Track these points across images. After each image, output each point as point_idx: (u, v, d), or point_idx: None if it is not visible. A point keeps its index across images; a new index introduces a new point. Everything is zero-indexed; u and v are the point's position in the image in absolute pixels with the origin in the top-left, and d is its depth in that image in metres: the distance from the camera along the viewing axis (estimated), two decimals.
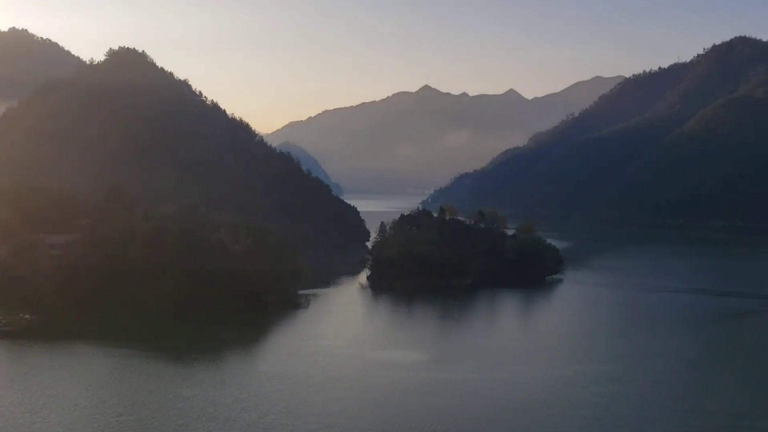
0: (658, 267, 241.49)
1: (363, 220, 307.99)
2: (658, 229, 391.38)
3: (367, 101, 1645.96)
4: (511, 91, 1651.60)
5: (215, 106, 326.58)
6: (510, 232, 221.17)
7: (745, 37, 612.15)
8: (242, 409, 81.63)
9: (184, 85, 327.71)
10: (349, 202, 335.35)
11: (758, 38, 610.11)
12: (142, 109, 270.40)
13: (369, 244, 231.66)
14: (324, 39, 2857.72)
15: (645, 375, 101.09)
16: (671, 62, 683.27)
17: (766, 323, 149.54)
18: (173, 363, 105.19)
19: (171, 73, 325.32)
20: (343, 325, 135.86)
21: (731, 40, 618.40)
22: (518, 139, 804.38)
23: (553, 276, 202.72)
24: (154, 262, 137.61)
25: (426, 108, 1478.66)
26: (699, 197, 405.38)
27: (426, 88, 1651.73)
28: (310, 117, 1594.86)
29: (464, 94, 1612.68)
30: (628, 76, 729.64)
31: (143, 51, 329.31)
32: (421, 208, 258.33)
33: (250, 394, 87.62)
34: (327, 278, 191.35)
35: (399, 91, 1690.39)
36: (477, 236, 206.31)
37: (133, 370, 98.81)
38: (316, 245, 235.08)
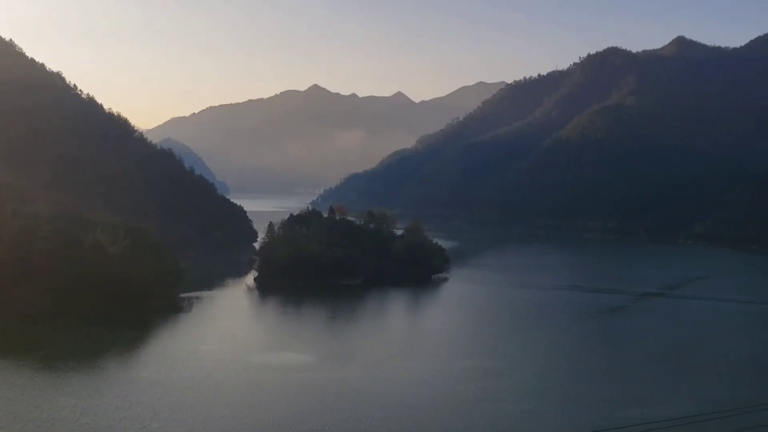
0: (537, 265, 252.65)
1: (250, 220, 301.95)
2: (538, 229, 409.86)
3: (254, 98, 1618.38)
4: (400, 94, 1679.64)
5: (91, 101, 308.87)
6: (399, 232, 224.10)
7: (617, 48, 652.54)
8: (123, 419, 77.09)
9: (57, 77, 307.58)
10: (235, 201, 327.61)
11: (628, 49, 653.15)
12: (9, 103, 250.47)
13: (256, 245, 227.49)
14: (208, 35, 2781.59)
15: (527, 369, 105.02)
16: (550, 69, 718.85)
17: (635, 317, 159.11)
18: (45, 371, 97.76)
19: (42, 65, 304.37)
20: (228, 328, 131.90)
21: (604, 50, 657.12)
22: (407, 140, 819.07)
23: (440, 275, 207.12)
24: (23, 264, 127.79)
25: (315, 107, 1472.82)
26: (575, 199, 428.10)
27: (315, 87, 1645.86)
28: (194, 113, 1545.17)
29: (354, 95, 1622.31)
30: (509, 82, 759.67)
31: (11, 40, 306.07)
32: (310, 208, 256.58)
33: (131, 402, 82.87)
34: (211, 280, 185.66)
35: (287, 89, 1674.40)
36: (367, 236, 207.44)
37: None
38: (200, 246, 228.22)
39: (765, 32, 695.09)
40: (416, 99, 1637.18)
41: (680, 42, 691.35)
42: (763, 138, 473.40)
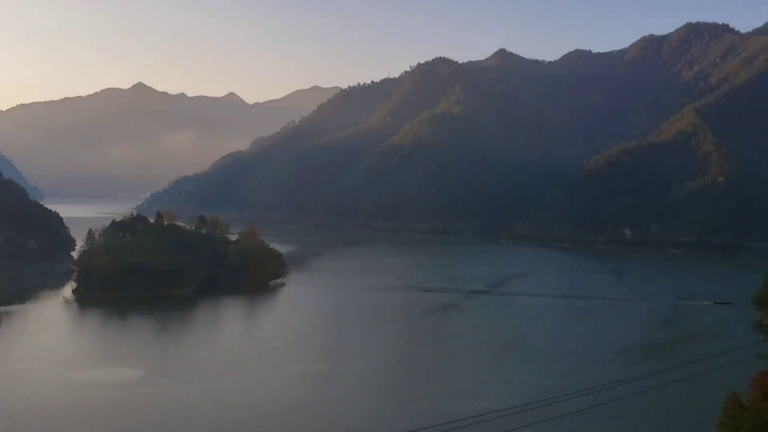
0: (373, 266, 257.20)
1: (68, 227, 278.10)
2: (373, 232, 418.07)
3: (71, 96, 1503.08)
4: (232, 95, 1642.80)
5: None
6: (233, 238, 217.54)
7: (444, 58, 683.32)
8: None
9: None
10: (50, 207, 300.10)
11: (455, 60, 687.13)
12: None
13: (75, 254, 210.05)
14: (20, 27, 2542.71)
15: (366, 370, 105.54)
16: (383, 77, 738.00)
17: (465, 314, 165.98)
18: None
19: None
20: (45, 345, 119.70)
21: (433, 60, 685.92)
22: (240, 143, 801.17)
23: (277, 280, 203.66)
24: None
25: (141, 107, 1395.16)
26: (407, 202, 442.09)
27: (140, 85, 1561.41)
28: (1, 111, 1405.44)
29: (182, 95, 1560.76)
30: (344, 88, 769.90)
31: None
32: (135, 214, 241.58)
33: None
34: (24, 293, 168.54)
35: (108, 87, 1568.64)
36: (198, 242, 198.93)
37: None
38: (9, 257, 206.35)
39: (576, 48, 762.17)
40: (250, 101, 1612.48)
41: (502, 54, 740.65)
42: (574, 145, 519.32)
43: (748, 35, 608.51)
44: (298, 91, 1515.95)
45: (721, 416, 55.72)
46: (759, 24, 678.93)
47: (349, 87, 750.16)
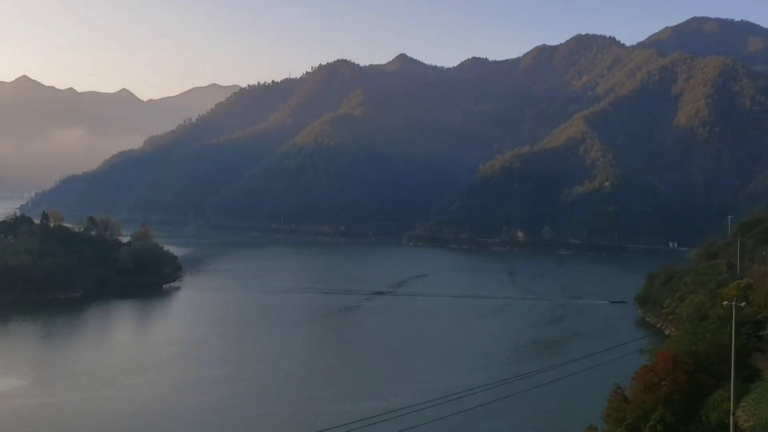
0: (274, 269, 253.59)
1: None
2: (273, 234, 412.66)
3: None
4: (125, 91, 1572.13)
5: None
6: (125, 239, 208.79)
7: (346, 60, 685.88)
8: None
9: None
10: None
11: (357, 62, 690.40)
12: None
13: None
14: None
15: (266, 373, 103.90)
16: (284, 77, 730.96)
17: (367, 315, 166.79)
18: None
19: None
20: None
21: (335, 61, 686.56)
22: (134, 141, 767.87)
23: (172, 283, 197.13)
24: None
25: (25, 101, 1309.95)
26: (309, 204, 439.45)
27: (24, 79, 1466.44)
28: None
29: (71, 90, 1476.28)
30: (244, 86, 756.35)
31: None
32: (19, 214, 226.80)
33: None
34: None
35: None
36: (87, 245, 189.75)
37: None
38: None
39: (473, 55, 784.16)
40: (144, 97, 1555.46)
41: (403, 59, 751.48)
42: (472, 150, 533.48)
43: (632, 48, 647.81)
44: (195, 88, 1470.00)
45: (607, 409, 58.50)
46: (642, 38, 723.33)
47: (249, 86, 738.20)
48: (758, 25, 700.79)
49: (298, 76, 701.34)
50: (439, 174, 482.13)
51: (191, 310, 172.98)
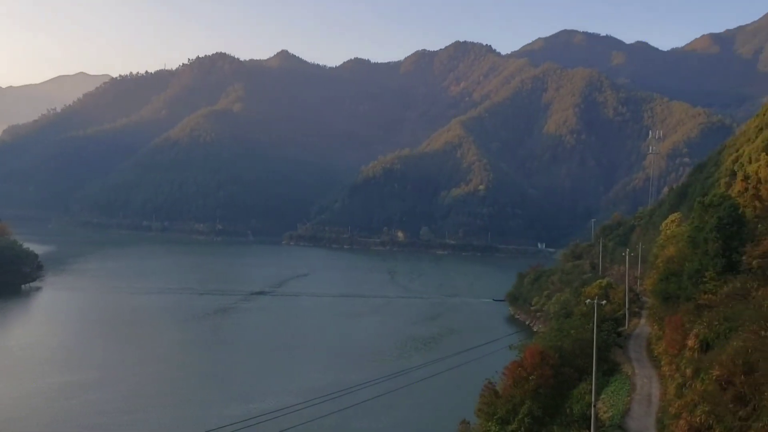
0: (145, 268, 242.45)
1: None
2: (145, 232, 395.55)
3: None
4: None
5: None
6: None
7: (225, 54, 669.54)
8: None
9: None
10: None
11: (237, 57, 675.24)
12: None
13: None
14: None
15: (136, 377, 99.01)
16: (158, 68, 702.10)
17: (246, 316, 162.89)
18: None
19: None
20: None
21: (213, 54, 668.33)
22: None
23: (32, 283, 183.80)
24: None
25: None
26: (183, 201, 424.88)
27: None
28: None
29: None
30: (115, 76, 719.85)
31: None
32: None
33: None
34: None
35: None
36: None
37: None
38: None
39: (356, 56, 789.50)
40: (3, 84, 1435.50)
41: (285, 55, 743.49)
42: (353, 150, 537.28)
43: (507, 57, 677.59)
44: (61, 76, 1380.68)
45: (479, 403, 60.18)
46: (516, 48, 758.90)
47: (120, 76, 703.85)
48: (621, 41, 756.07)
49: (174, 68, 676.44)
50: (320, 173, 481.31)
51: (54, 311, 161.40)
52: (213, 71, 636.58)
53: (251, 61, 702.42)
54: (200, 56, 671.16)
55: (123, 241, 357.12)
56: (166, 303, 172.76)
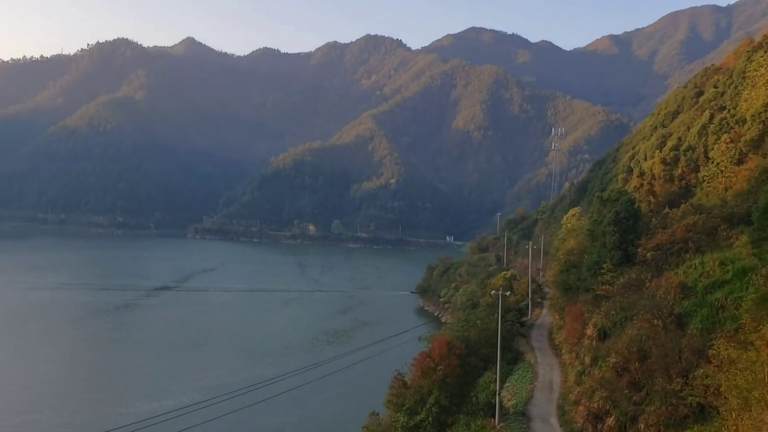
0: (41, 263, 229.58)
1: None
2: (41, 224, 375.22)
3: None
4: None
5: None
6: None
7: (127, 40, 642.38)
8: None
9: None
10: None
11: (140, 43, 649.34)
12: None
13: None
14: None
15: (30, 377, 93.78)
16: (55, 52, 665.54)
17: (149, 312, 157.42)
18: None
19: None
20: None
21: (114, 40, 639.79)
22: None
23: None
24: None
25: None
26: (82, 192, 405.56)
27: None
28: None
29: None
30: (5, 60, 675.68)
31: None
32: None
33: None
34: None
35: None
36: None
37: None
38: None
39: (265, 45, 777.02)
40: None
41: (190, 43, 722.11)
42: (263, 141, 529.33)
43: (418, 52, 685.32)
44: None
45: (388, 395, 60.74)
46: (426, 43, 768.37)
47: (12, 59, 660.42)
48: (527, 39, 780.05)
49: (72, 53, 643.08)
50: (228, 164, 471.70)
51: None
52: (114, 57, 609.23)
53: (155, 47, 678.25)
54: (100, 41, 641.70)
55: (16, 234, 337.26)
56: (65, 299, 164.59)
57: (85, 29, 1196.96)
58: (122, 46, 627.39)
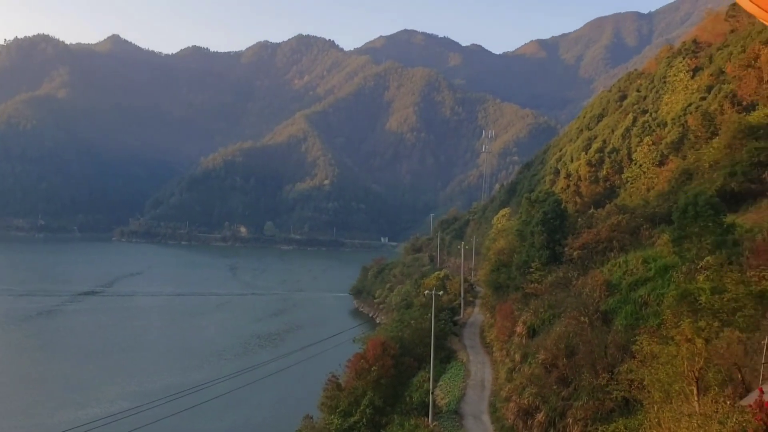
0: None
1: None
2: None
3: None
4: None
5: None
6: None
7: (48, 36, 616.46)
8: None
9: None
10: None
11: (62, 39, 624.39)
12: None
13: None
14: None
15: None
16: None
17: (72, 318, 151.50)
18: None
19: None
20: None
21: (34, 36, 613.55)
22: None
23: None
24: None
25: None
26: (0, 194, 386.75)
27: None
28: None
29: None
30: None
31: None
32: None
33: None
34: None
35: None
36: None
37: None
38: None
39: (194, 44, 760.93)
40: None
41: (116, 40, 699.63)
42: (191, 142, 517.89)
43: (350, 53, 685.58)
44: None
45: (322, 397, 60.46)
46: (359, 44, 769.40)
47: None
48: (458, 43, 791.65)
49: None
50: (155, 165, 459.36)
51: None
52: (34, 54, 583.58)
53: (78, 44, 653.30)
54: (19, 37, 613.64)
55: None
56: None
57: (2, 24, 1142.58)
58: (43, 42, 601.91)
